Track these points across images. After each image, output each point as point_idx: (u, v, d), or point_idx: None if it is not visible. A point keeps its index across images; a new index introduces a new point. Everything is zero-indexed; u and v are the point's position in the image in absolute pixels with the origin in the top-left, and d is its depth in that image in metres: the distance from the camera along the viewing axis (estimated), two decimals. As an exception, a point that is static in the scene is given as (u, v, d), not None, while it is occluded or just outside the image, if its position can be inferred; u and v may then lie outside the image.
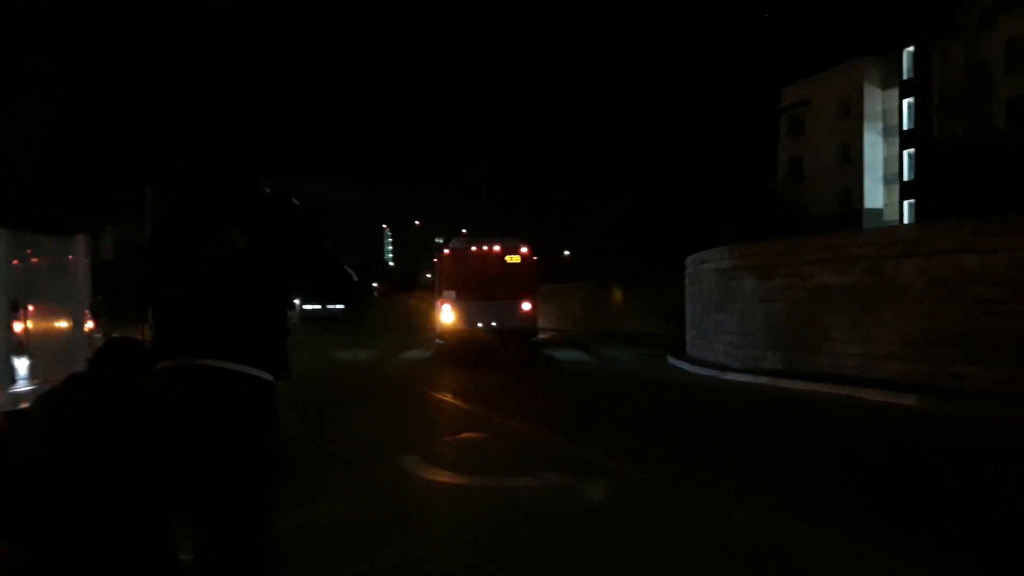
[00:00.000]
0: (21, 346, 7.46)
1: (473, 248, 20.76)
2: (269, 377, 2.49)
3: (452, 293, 19.86)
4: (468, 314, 19.72)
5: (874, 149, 45.64)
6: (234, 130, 2.68)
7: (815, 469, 7.25)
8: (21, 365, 7.49)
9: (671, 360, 19.22)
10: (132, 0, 2.94)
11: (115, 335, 3.31)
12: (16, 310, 7.40)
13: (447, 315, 19.87)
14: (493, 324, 19.64)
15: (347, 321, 50.73)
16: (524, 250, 20.61)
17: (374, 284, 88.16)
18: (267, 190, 2.65)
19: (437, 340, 20.75)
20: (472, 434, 9.19)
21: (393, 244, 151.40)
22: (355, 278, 2.79)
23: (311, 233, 2.62)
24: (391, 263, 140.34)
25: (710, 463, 7.56)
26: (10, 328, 7.35)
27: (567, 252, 60.01)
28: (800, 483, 6.67)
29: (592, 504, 6.13)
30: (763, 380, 14.32)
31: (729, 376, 15.38)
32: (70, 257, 8.91)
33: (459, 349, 19.52)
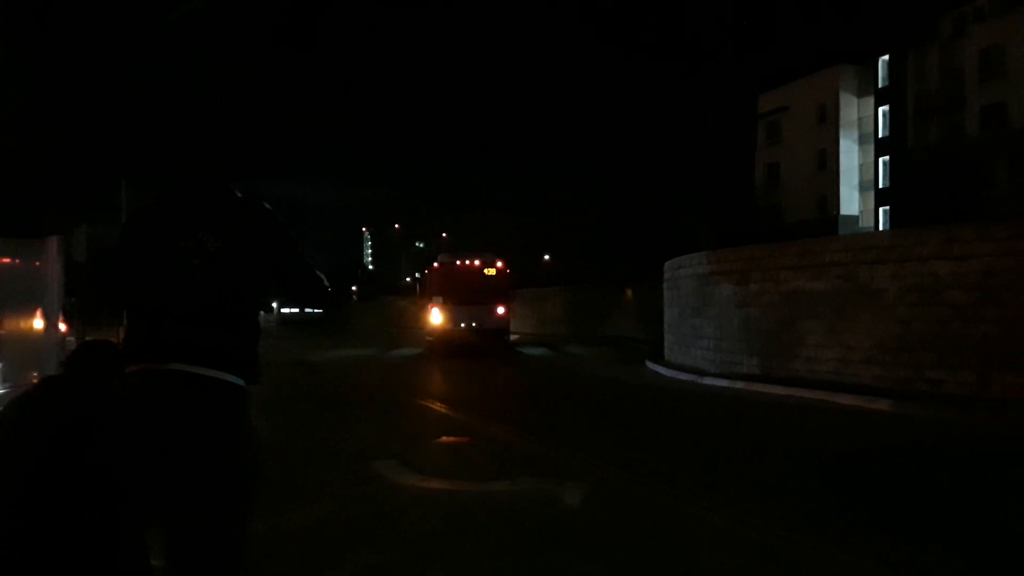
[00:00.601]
0: (-8, 349, 7.37)
1: (457, 262, 25.33)
2: (240, 381, 2.47)
3: (440, 299, 24.29)
4: (453, 316, 24.12)
5: (850, 156, 46.13)
6: (206, 132, 2.67)
7: (793, 473, 7.31)
8: (-8, 368, 7.39)
9: (649, 365, 19.31)
10: (103, 1, 2.92)
11: (88, 338, 3.28)
12: (-13, 313, 7.32)
13: (436, 317, 24.35)
14: (474, 324, 24.01)
15: (327, 324, 50.48)
16: (499, 264, 25.29)
17: (353, 288, 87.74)
18: (238, 193, 2.63)
19: (427, 337, 25.11)
20: (450, 438, 9.18)
21: (373, 247, 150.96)
22: (326, 283, 2.78)
23: (282, 237, 2.61)
24: (371, 266, 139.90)
25: (688, 467, 7.60)
26: (-19, 331, 7.27)
27: (547, 256, 60.09)
28: (778, 487, 6.73)
29: (569, 508, 6.14)
30: (740, 385, 14.41)
31: (707, 381, 15.47)
32: (42, 259, 8.81)
33: (445, 344, 23.71)
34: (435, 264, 25.89)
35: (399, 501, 6.21)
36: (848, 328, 13.23)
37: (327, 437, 9.18)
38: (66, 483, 2.60)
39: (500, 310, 24.65)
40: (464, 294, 24.02)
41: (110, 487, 2.52)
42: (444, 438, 9.19)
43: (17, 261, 8.32)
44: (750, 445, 8.93)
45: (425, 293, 26.22)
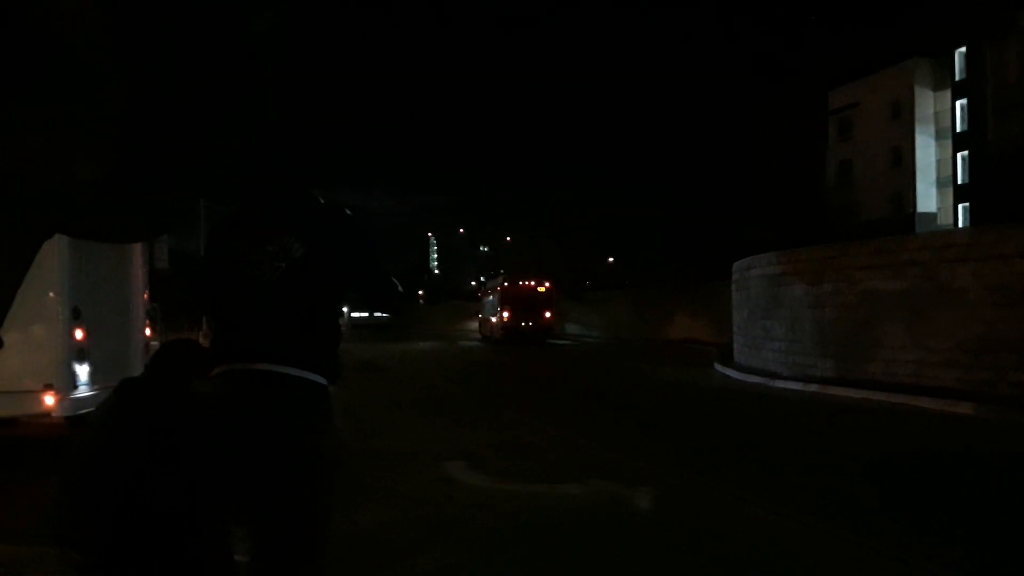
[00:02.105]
0: (83, 352, 7.67)
1: (520, 282, 37.56)
2: (323, 381, 2.54)
3: (507, 306, 35.86)
4: (514, 318, 35.72)
5: (926, 152, 44.62)
6: (292, 141, 2.74)
7: (868, 479, 7.13)
8: (82, 371, 7.68)
9: (718, 367, 19.04)
10: (192, 12, 3.02)
11: (171, 338, 3.39)
12: (78, 317, 7.63)
13: (503, 319, 35.89)
14: (530, 324, 35.65)
15: (396, 327, 51.32)
16: (547, 284, 37.33)
17: (419, 292, 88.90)
18: (321, 200, 2.71)
19: (499, 331, 36.25)
20: (518, 440, 9.21)
21: (438, 252, 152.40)
22: (400, 288, 2.84)
23: (362, 243, 2.68)
24: (436, 270, 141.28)
25: (760, 472, 7.48)
26: (72, 335, 7.58)
27: (611, 259, 59.76)
28: (853, 494, 6.57)
29: (637, 512, 6.11)
30: (813, 388, 14.10)
31: (779, 384, 15.17)
32: (128, 265, 9.17)
33: (508, 335, 35.04)
34: (504, 283, 38.52)
35: (471, 501, 6.25)
36: (927, 329, 12.81)
37: (397, 437, 9.30)
38: (158, 483, 2.70)
39: (547, 315, 36.52)
40: (522, 303, 35.61)
41: (194, 485, 2.60)
42: (512, 440, 9.22)
43: (105, 268, 8.65)
44: (824, 450, 8.73)
45: (497, 302, 37.93)
